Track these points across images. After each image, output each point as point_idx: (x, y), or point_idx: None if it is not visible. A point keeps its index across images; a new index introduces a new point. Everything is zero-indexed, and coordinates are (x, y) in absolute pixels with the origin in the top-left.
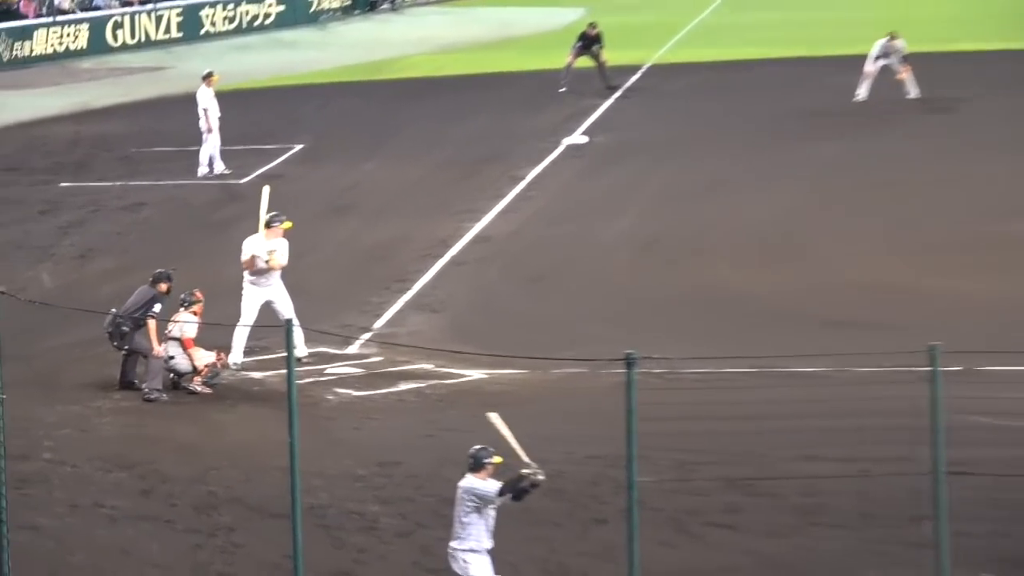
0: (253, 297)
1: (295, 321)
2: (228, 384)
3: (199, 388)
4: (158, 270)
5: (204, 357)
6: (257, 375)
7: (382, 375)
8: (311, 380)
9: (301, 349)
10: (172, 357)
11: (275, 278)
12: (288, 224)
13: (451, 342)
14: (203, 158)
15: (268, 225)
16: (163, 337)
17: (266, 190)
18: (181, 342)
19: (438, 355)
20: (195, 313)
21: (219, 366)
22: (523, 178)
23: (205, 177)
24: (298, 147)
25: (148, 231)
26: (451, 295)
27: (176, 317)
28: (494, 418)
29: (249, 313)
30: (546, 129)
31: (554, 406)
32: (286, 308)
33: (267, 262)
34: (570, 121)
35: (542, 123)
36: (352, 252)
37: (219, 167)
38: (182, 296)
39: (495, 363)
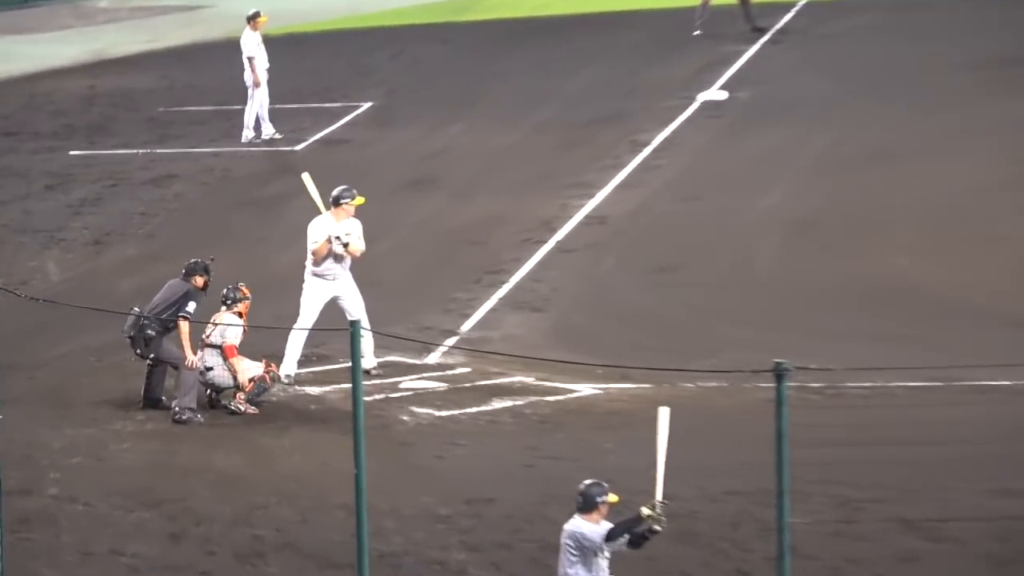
0: (317, 293)
1: (364, 323)
2: (279, 402)
3: (242, 407)
4: (192, 260)
5: (249, 368)
6: (314, 391)
7: (470, 390)
8: (382, 397)
9: (369, 359)
10: (210, 368)
11: (345, 270)
12: (360, 200)
13: (556, 349)
14: (248, 119)
15: (337, 203)
16: (199, 343)
17: (306, 177)
18: (221, 350)
19: (540, 365)
20: (239, 314)
21: (267, 380)
22: (647, 143)
23: (251, 143)
24: (367, 105)
25: (180, 210)
26: (556, 290)
27: (216, 318)
28: (663, 416)
29: (310, 313)
30: (676, 82)
31: (685, 429)
32: (356, 307)
33: (345, 246)
34: (706, 72)
35: (671, 75)
36: (434, 236)
37: (268, 130)
38: (224, 292)
39: (610, 375)
